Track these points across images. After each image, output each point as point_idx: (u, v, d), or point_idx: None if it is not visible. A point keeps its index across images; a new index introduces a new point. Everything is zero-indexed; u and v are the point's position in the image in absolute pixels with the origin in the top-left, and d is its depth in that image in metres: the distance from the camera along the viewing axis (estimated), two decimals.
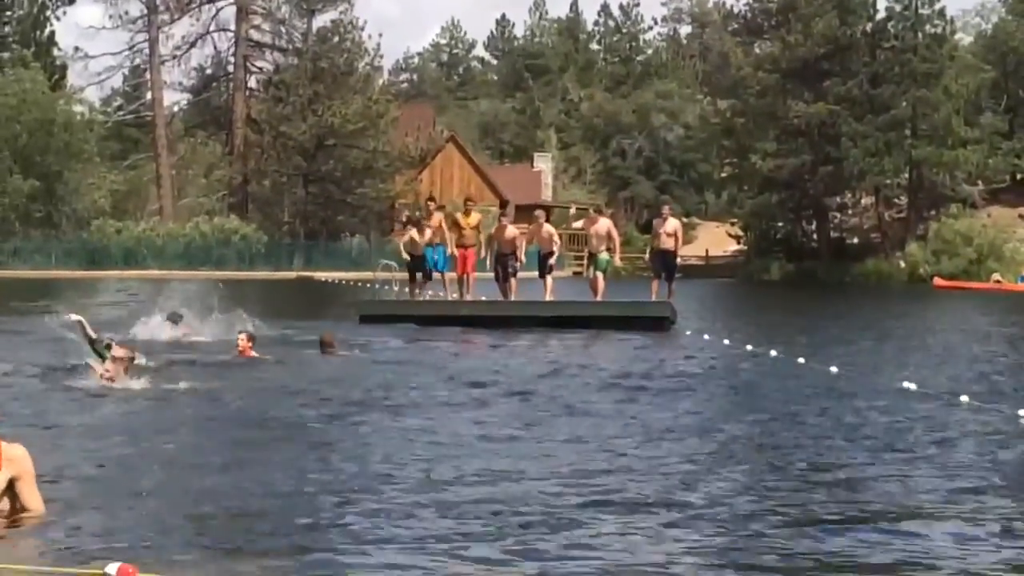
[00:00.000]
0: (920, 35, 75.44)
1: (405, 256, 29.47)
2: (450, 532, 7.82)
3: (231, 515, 8.29)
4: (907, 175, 76.47)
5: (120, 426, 11.99)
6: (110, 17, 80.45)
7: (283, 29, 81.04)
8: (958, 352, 22.61)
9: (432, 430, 12.02)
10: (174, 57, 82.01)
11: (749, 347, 21.07)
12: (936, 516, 8.47)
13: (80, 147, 73.33)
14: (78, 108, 79.83)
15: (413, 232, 29.30)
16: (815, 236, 78.46)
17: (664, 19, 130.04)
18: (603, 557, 7.28)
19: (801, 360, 18.76)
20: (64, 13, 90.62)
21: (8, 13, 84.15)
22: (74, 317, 16.19)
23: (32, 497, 7.87)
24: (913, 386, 15.25)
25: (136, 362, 14.88)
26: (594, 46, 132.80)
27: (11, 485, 7.80)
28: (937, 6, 75.48)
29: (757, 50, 79.65)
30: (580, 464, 10.22)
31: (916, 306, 42.68)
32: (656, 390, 15.38)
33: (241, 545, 7.51)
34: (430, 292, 30.02)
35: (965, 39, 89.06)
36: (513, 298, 28.04)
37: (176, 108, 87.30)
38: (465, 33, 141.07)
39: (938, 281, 61.78)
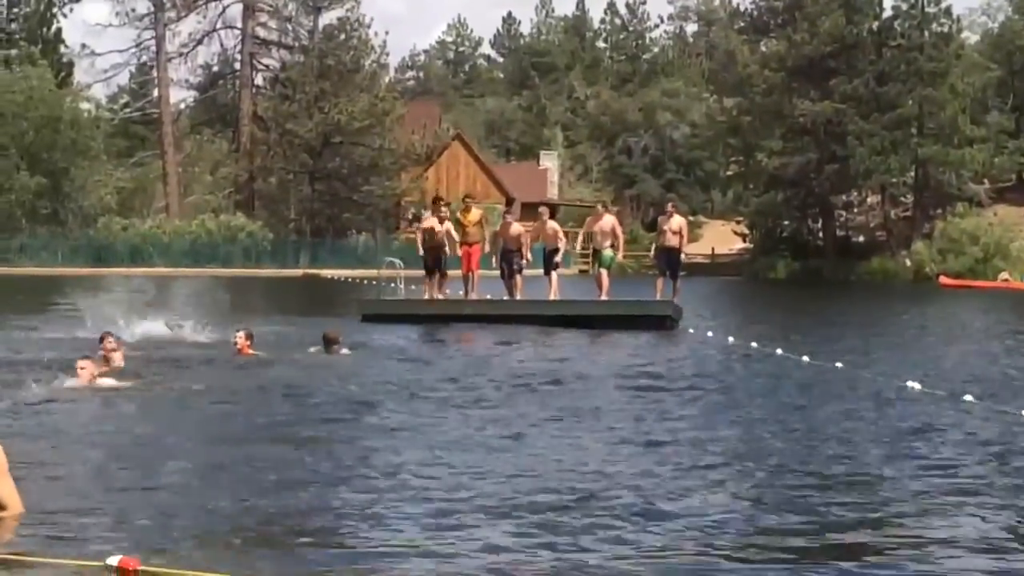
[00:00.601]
0: (926, 34, 75.35)
1: (422, 252, 28.64)
2: (454, 529, 7.84)
3: (232, 509, 8.32)
4: (913, 174, 76.36)
5: (120, 423, 12.03)
6: (117, 14, 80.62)
7: (289, 26, 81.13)
8: (963, 351, 22.58)
9: (434, 429, 12.03)
10: (181, 54, 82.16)
11: (754, 344, 21.06)
12: (937, 516, 8.48)
13: (87, 144, 73.38)
14: (85, 105, 79.93)
15: (433, 221, 28.81)
16: (821, 234, 78.41)
17: (670, 17, 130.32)
18: (606, 556, 7.30)
19: (806, 358, 18.75)
20: (71, 10, 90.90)
21: (15, 10, 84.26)
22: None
23: (5, 489, 7.81)
24: (917, 385, 15.22)
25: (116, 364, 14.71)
26: (600, 44, 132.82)
27: None
28: (943, 5, 75.43)
29: (763, 48, 79.56)
30: (582, 463, 10.22)
31: (921, 305, 42.63)
32: (657, 388, 15.35)
33: (241, 537, 7.54)
34: (448, 291, 29.52)
35: (972, 38, 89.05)
36: (518, 296, 28.04)
37: (183, 105, 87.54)
38: (471, 31, 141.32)
39: (944, 280, 61.68)
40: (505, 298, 28.32)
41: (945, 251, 67.79)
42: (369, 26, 78.21)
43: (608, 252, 27.91)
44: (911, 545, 7.62)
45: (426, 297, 28.47)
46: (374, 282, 40.73)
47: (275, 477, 9.44)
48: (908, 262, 71.07)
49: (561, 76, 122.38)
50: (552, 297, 27.87)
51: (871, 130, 72.69)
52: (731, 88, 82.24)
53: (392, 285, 33.20)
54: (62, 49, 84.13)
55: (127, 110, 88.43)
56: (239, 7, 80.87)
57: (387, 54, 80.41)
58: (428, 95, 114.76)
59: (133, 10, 79.81)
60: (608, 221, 28.22)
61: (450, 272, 29.04)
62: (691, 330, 25.04)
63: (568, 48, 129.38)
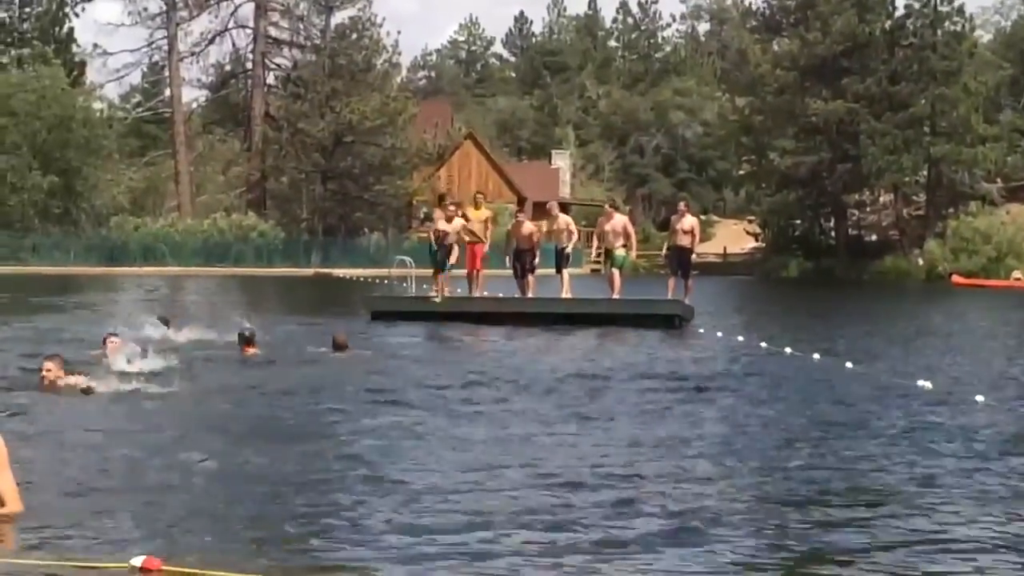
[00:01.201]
0: (939, 32, 75.17)
1: (435, 246, 28.48)
2: (461, 527, 7.85)
3: (250, 510, 8.34)
4: (926, 172, 76.20)
5: (131, 425, 12.00)
6: (129, 14, 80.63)
7: (301, 26, 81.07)
8: (975, 351, 22.54)
9: (442, 429, 12.04)
10: (193, 54, 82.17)
11: (763, 344, 21.03)
12: (947, 516, 8.47)
13: (99, 144, 73.52)
14: (97, 105, 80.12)
15: (441, 222, 28.64)
16: (833, 233, 78.32)
17: (682, 16, 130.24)
18: (610, 555, 7.30)
19: (816, 356, 18.73)
20: (83, 10, 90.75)
21: (27, 9, 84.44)
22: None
23: (4, 483, 7.81)
24: (929, 384, 15.19)
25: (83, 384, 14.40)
26: (612, 43, 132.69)
27: None
28: (956, 3, 75.18)
29: (776, 47, 79.44)
30: (587, 463, 10.23)
31: (934, 304, 42.57)
32: (666, 388, 15.30)
33: (261, 537, 7.57)
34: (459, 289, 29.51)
35: (984, 36, 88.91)
36: (531, 295, 28.05)
37: (195, 105, 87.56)
38: (483, 30, 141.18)
39: (956, 279, 61.57)
40: (515, 296, 28.33)
41: (958, 250, 67.67)
42: (381, 25, 78.21)
43: (620, 252, 27.88)
44: (926, 544, 7.61)
45: (434, 294, 28.43)
46: (385, 281, 40.78)
47: (290, 478, 9.45)
48: (920, 261, 70.96)
49: (573, 75, 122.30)
50: (564, 295, 27.88)
51: (883, 129, 72.55)
52: (743, 87, 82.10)
53: (403, 284, 33.22)
54: (74, 48, 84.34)
55: (139, 109, 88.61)
56: (251, 6, 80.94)
57: (399, 53, 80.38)
58: (440, 94, 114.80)
59: (145, 9, 79.96)
60: (620, 220, 28.18)
61: (455, 272, 28.98)
62: (701, 329, 25.02)
63: (580, 47, 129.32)
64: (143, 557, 6.62)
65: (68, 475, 9.37)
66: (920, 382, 15.36)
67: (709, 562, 7.21)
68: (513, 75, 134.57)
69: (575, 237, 28.91)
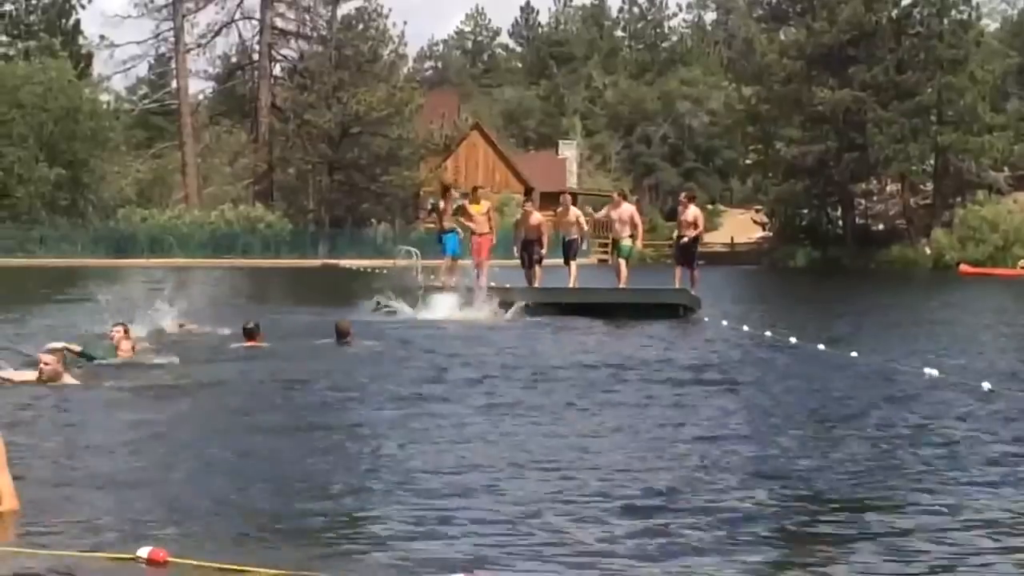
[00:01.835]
0: (946, 21, 74.97)
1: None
2: (471, 521, 7.86)
3: (256, 501, 8.36)
4: (932, 161, 76.08)
5: (136, 416, 12.02)
6: (135, 5, 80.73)
7: (308, 17, 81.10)
8: (982, 339, 22.52)
9: (446, 418, 12.04)
10: (199, 45, 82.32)
11: (768, 333, 21.01)
12: (950, 505, 8.48)
13: (106, 135, 73.66)
14: (104, 97, 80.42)
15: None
16: (840, 223, 78.20)
17: (689, 5, 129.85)
18: (614, 554, 7.32)
19: (821, 347, 18.72)
20: (89, 1, 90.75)
21: (34, 2, 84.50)
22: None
23: (2, 482, 7.79)
24: (935, 372, 15.19)
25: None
26: (619, 33, 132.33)
27: None
28: None
29: (782, 36, 79.26)
30: (586, 457, 10.25)
31: (941, 293, 42.50)
32: (667, 379, 15.24)
33: (268, 529, 7.58)
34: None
35: (991, 25, 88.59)
36: (538, 285, 28.02)
37: (201, 96, 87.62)
38: (489, 20, 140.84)
39: (964, 268, 61.48)
40: (521, 286, 28.30)
41: (965, 239, 67.58)
42: (387, 16, 78.35)
43: (627, 242, 27.90)
44: (930, 533, 7.62)
45: (440, 283, 28.33)
46: (390, 271, 40.71)
47: (298, 470, 9.47)
48: (928, 250, 70.88)
49: (579, 65, 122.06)
50: (571, 286, 27.87)
51: (890, 118, 72.41)
52: (750, 76, 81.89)
53: (414, 273, 33.16)
54: (81, 40, 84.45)
55: (146, 101, 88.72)
56: None
57: (405, 44, 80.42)
58: (446, 85, 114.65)
59: (151, 1, 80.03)
60: (627, 210, 28.19)
61: (461, 261, 28.91)
62: (706, 319, 25.00)
63: (586, 37, 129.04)
64: (150, 548, 6.65)
65: (74, 467, 9.39)
66: (927, 369, 15.35)
67: (733, 559, 7.20)
68: (519, 65, 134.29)
69: (586, 229, 28.91)
